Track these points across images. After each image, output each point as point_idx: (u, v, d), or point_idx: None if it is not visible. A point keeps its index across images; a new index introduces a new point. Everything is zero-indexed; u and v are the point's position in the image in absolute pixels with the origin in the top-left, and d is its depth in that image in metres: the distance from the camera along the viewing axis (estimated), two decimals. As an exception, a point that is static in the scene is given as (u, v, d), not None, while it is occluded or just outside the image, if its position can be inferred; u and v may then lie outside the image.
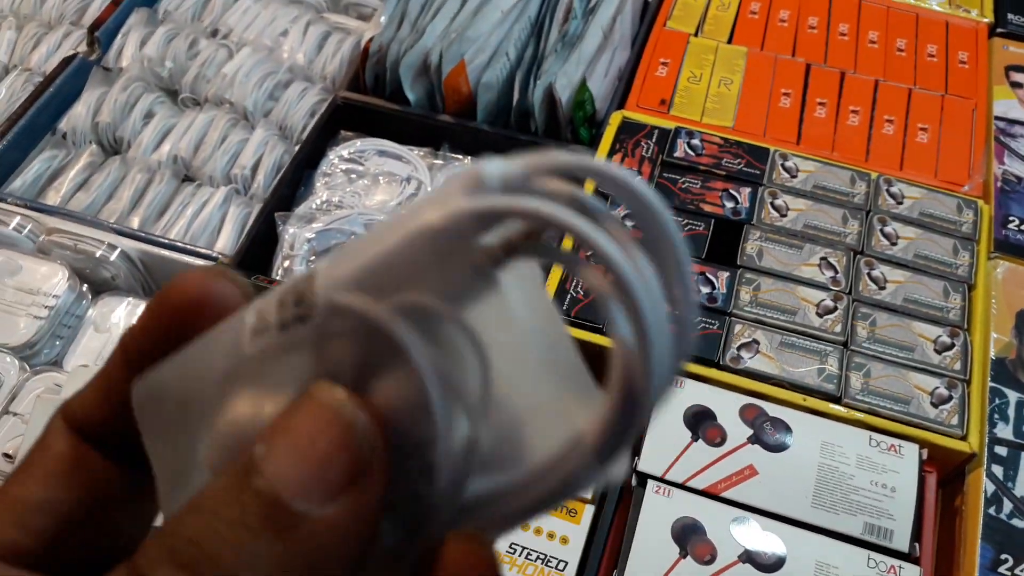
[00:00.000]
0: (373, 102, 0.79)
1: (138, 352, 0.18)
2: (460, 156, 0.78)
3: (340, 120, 0.79)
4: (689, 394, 0.60)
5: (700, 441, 0.58)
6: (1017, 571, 0.56)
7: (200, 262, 0.67)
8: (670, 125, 0.74)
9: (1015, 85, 0.81)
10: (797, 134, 0.76)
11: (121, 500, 0.19)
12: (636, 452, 0.57)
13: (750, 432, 0.58)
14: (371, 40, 0.77)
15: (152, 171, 0.77)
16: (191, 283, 0.18)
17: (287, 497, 0.14)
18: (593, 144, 0.75)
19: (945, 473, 0.61)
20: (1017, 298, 0.67)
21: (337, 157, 0.75)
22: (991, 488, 0.58)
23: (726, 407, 0.59)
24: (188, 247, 0.69)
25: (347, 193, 0.72)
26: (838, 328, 0.63)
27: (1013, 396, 0.62)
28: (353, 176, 0.74)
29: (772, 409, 0.59)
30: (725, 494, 0.56)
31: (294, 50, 0.87)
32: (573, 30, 0.79)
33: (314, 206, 0.71)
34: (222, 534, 0.14)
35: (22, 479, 0.18)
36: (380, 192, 0.75)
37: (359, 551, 0.15)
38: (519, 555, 0.55)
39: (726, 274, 0.65)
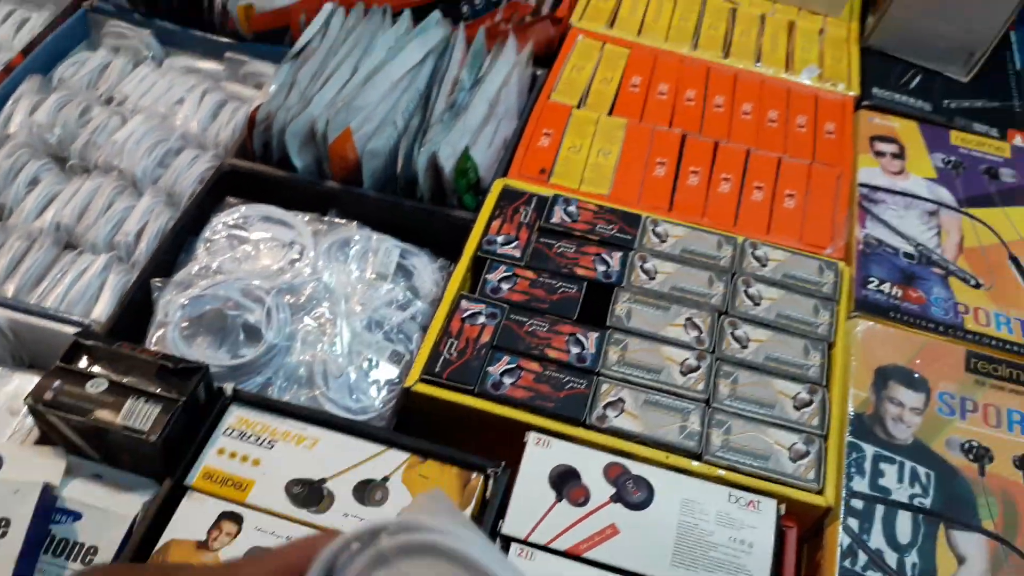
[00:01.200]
0: (260, 168, 0.80)
1: None
2: (345, 221, 0.79)
3: (228, 187, 0.80)
4: (555, 454, 0.60)
5: (564, 502, 0.58)
6: (869, 623, 0.57)
7: (71, 329, 0.66)
8: (549, 192, 0.77)
9: (879, 154, 0.86)
10: (670, 201, 0.79)
11: None
12: (501, 514, 0.58)
13: (612, 491, 0.59)
14: (258, 108, 0.79)
15: (32, 238, 0.76)
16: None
17: None
18: (476, 210, 0.77)
19: (806, 528, 0.63)
20: (876, 355, 0.70)
21: (221, 224, 0.76)
22: (847, 541, 0.60)
23: (591, 466, 0.60)
24: (60, 315, 0.68)
25: (227, 259, 0.72)
26: (700, 386, 0.65)
27: (870, 450, 0.64)
28: (235, 242, 0.75)
29: (635, 467, 0.60)
30: (587, 555, 0.56)
31: (188, 118, 0.88)
32: (460, 101, 0.82)
33: (192, 272, 0.71)
34: None
35: None
36: (263, 257, 0.75)
37: None
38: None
39: (595, 335, 0.67)
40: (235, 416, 0.61)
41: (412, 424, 0.66)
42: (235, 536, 0.55)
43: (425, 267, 0.79)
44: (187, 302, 0.67)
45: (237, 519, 0.56)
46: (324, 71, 0.83)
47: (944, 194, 0.83)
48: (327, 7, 0.89)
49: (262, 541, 0.55)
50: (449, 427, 0.65)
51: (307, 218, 0.79)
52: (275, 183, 0.80)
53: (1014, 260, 0.78)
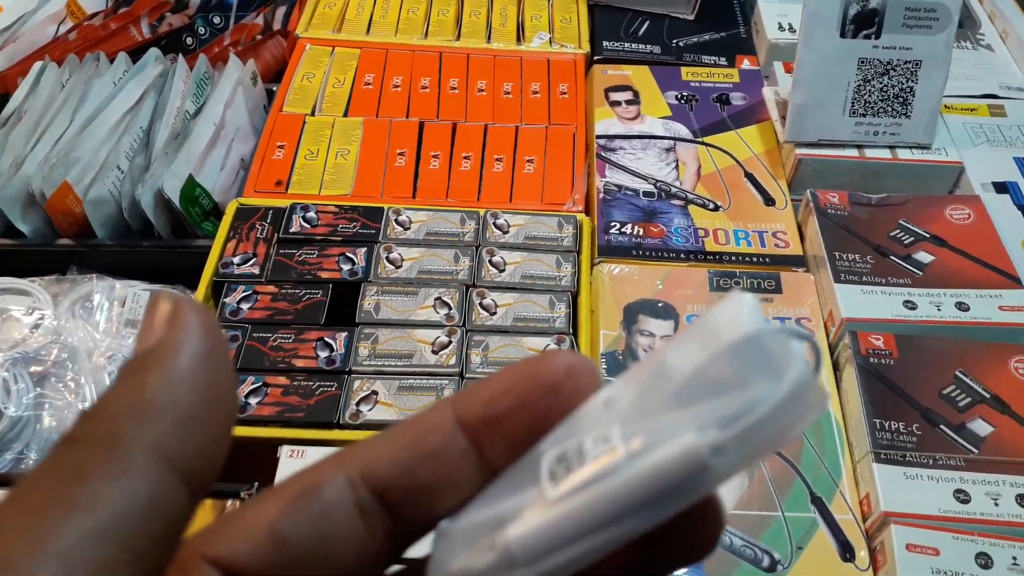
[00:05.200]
0: (-17, 242, 0.76)
1: (481, 422, 0.18)
2: (91, 274, 0.76)
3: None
4: (308, 462, 0.59)
5: (322, 505, 0.57)
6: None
7: None
8: (286, 203, 0.76)
9: (614, 104, 0.89)
10: (413, 188, 0.79)
11: (357, 564, 0.18)
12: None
13: (370, 483, 0.58)
14: (-34, 180, 0.75)
15: None
16: (560, 363, 0.18)
17: (136, 350, 0.17)
18: (214, 235, 0.75)
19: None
20: (623, 295, 0.71)
21: (-55, 305, 0.72)
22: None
23: (347, 464, 0.59)
24: None
25: (-49, 340, 0.68)
26: (453, 360, 0.65)
27: (625, 386, 0.66)
28: (-37, 321, 0.71)
29: (393, 455, 0.60)
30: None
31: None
32: (183, 130, 0.80)
33: (-87, 362, 0.67)
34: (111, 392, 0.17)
35: (272, 504, 0.17)
36: (2, 331, 0.72)
37: (203, 381, 0.17)
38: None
39: (344, 335, 0.66)
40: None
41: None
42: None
43: (180, 305, 0.77)
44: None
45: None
46: (37, 130, 0.80)
47: (680, 128, 0.87)
48: (36, 65, 0.86)
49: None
50: (206, 459, 0.63)
51: (45, 281, 0.76)
52: (3, 255, 0.76)
53: (749, 177, 0.82)
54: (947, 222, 0.74)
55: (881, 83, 0.77)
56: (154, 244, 0.77)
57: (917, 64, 0.77)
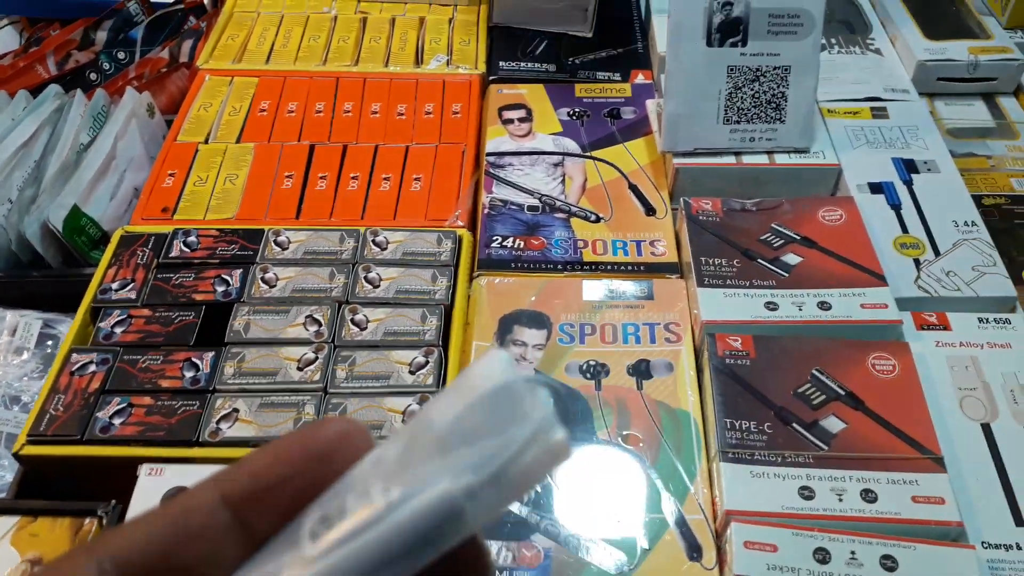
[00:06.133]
0: None
1: (246, 496, 0.18)
2: (-19, 308, 0.77)
3: None
4: (168, 479, 0.60)
5: (175, 522, 0.58)
6: None
7: None
8: (169, 229, 0.77)
9: (506, 122, 0.90)
10: (297, 210, 0.80)
11: None
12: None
13: (223, 499, 0.59)
14: None
15: None
16: (333, 431, 0.19)
17: None
18: (100, 264, 0.76)
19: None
20: (500, 305, 0.72)
21: None
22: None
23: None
24: None
25: None
26: (317, 376, 0.66)
27: (491, 395, 0.67)
28: None
29: (250, 471, 0.60)
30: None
31: None
32: (73, 162, 0.81)
33: None
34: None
35: None
36: None
37: None
38: None
39: (211, 355, 0.67)
40: None
41: (41, 487, 0.64)
42: None
43: (70, 333, 0.78)
44: None
45: None
46: (-68, 165, 0.81)
47: (569, 144, 0.88)
48: (-64, 103, 0.88)
49: None
50: (73, 482, 0.64)
51: (-65, 314, 0.77)
52: None
53: (633, 188, 0.83)
54: (819, 224, 0.75)
55: (752, 89, 0.79)
56: (44, 274, 0.78)
57: (786, 69, 0.78)
